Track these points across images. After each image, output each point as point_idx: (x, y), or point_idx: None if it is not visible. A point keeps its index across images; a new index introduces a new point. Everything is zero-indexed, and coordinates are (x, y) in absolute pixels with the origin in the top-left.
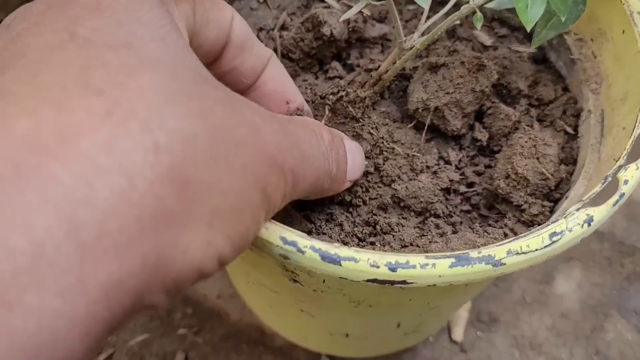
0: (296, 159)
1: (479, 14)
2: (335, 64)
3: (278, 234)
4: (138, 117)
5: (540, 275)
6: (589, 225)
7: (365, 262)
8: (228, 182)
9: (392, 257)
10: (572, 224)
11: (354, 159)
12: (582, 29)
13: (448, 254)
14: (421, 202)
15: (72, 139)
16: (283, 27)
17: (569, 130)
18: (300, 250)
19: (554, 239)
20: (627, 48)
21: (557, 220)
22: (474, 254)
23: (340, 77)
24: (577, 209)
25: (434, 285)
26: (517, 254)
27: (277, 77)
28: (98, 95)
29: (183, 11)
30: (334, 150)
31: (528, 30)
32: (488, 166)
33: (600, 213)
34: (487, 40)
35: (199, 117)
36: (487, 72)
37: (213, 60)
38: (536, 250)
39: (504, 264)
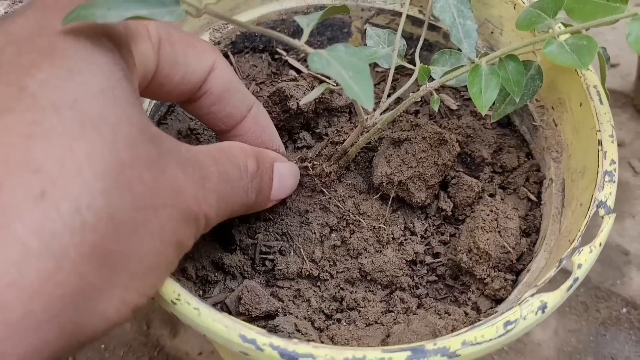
0: (211, 205)
1: (435, 96)
2: (304, 133)
3: (237, 332)
4: (70, 197)
5: None
6: (543, 312)
7: (323, 357)
8: (146, 247)
9: (349, 353)
10: (526, 311)
11: (282, 183)
12: (544, 96)
13: (405, 346)
14: (387, 275)
15: (7, 223)
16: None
17: (532, 197)
18: (259, 348)
19: (508, 327)
20: (584, 121)
21: (512, 307)
22: (429, 345)
23: (309, 147)
24: (532, 295)
25: None
26: (472, 344)
27: (257, 125)
28: (36, 173)
29: (141, 52)
30: (257, 179)
31: (483, 114)
32: (453, 235)
33: (554, 299)
34: (453, 104)
35: (127, 189)
36: (449, 146)
37: (184, 100)
38: (490, 340)
39: (459, 355)
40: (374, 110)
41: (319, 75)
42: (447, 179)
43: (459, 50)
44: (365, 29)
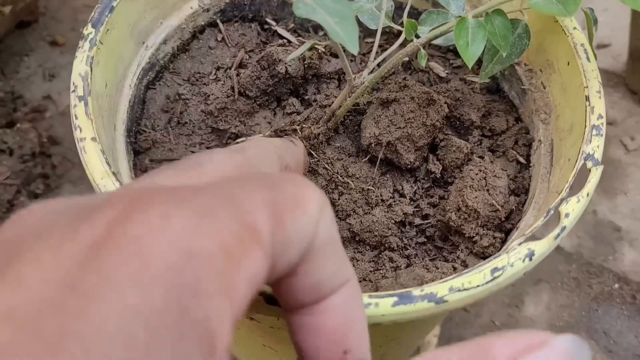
0: None
1: (422, 51)
2: (293, 99)
3: None
4: None
5: (509, 299)
6: (530, 259)
7: None
8: None
9: None
10: (513, 258)
11: None
12: (532, 60)
13: (391, 292)
14: (375, 235)
15: None
16: (241, 65)
17: (521, 160)
18: None
19: (496, 274)
20: (572, 80)
21: (499, 255)
22: (416, 291)
23: (298, 113)
24: (519, 244)
25: (379, 324)
26: (459, 290)
27: (343, 313)
28: None
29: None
30: None
31: (469, 67)
32: (442, 197)
33: (542, 247)
34: (442, 71)
35: None
36: (437, 106)
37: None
38: (478, 286)
39: (446, 301)
40: (362, 70)
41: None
42: (436, 142)
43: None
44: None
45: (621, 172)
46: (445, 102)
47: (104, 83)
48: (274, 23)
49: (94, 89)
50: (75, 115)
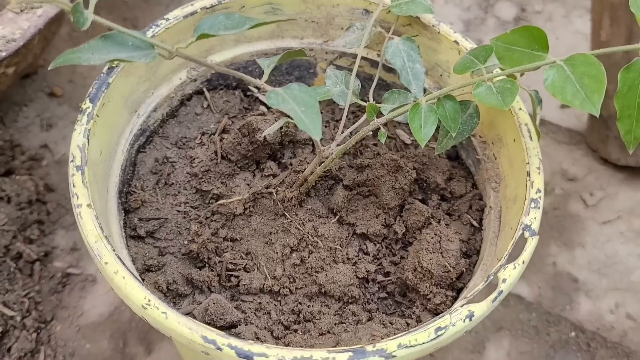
0: None
1: (382, 130)
2: (270, 163)
3: (200, 333)
4: None
5: (472, 345)
6: (471, 319)
7: (275, 357)
8: None
9: (298, 353)
10: (455, 319)
11: None
12: (485, 133)
13: (347, 348)
14: (340, 286)
15: None
16: (224, 131)
17: (475, 223)
18: (218, 348)
19: (439, 333)
20: (517, 155)
21: (443, 315)
22: (369, 347)
23: (275, 175)
24: (461, 305)
25: None
26: (407, 347)
27: None
28: None
29: None
30: None
31: (422, 146)
32: (403, 257)
33: (481, 309)
34: (407, 138)
35: None
36: (405, 172)
37: None
38: (423, 343)
39: (395, 356)
40: (331, 142)
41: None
42: (403, 204)
43: (408, 90)
44: (327, 71)
45: (580, 226)
46: (414, 167)
47: (99, 151)
48: (255, 90)
49: (91, 158)
50: (73, 183)
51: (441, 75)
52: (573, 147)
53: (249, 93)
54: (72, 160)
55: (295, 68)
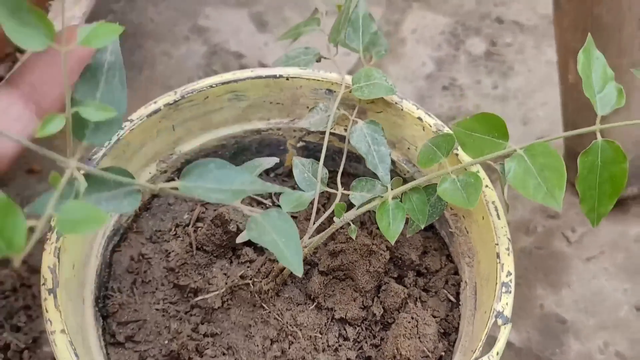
0: None
1: (352, 226)
2: (247, 249)
3: None
4: None
5: None
6: None
7: None
8: None
9: None
10: None
11: None
12: (456, 206)
13: None
14: None
15: None
16: (198, 219)
17: (452, 298)
18: None
19: None
20: (486, 233)
21: None
22: None
23: (252, 261)
24: None
25: None
26: None
27: None
28: None
29: None
30: None
31: (392, 243)
32: (383, 338)
33: None
34: None
35: None
36: (378, 255)
37: None
38: None
39: None
40: (303, 235)
41: (257, 197)
42: (380, 284)
43: (375, 176)
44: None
45: (564, 264)
46: (387, 247)
47: (71, 265)
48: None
49: (63, 276)
50: (46, 308)
51: (408, 148)
52: None
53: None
54: (43, 284)
55: (265, 146)
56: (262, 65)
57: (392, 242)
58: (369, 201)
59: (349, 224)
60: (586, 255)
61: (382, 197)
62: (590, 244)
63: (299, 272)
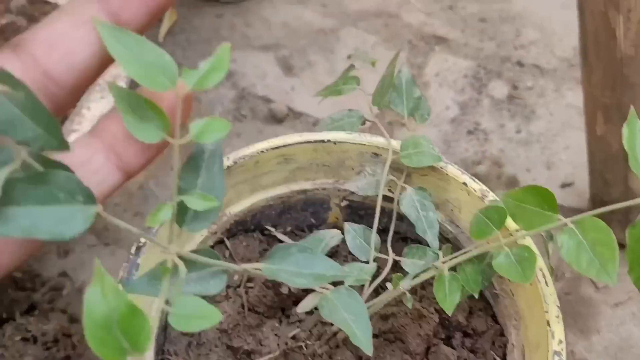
0: None
1: (408, 295)
2: (296, 309)
3: None
4: None
5: None
6: None
7: None
8: None
9: None
10: None
11: None
12: None
13: None
14: None
15: None
16: (248, 279)
17: None
18: None
19: None
20: (535, 299)
21: None
22: None
23: (301, 321)
24: None
25: None
26: None
27: None
28: None
29: None
30: None
31: (449, 314)
32: None
33: None
34: None
35: None
36: (428, 319)
37: None
38: None
39: None
40: None
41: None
42: (429, 346)
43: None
44: (344, 225)
45: (593, 310)
46: (435, 309)
47: None
48: (273, 229)
49: None
50: None
51: (452, 210)
52: None
53: (266, 232)
54: None
55: (310, 205)
56: (291, 110)
57: (450, 313)
58: (424, 271)
59: (404, 293)
60: (614, 301)
61: (437, 267)
62: (618, 289)
63: (369, 351)
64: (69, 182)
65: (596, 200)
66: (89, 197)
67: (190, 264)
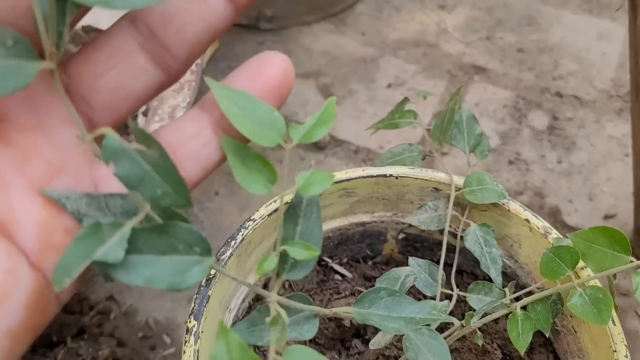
0: None
1: (479, 333)
2: (356, 341)
3: None
4: None
5: None
6: None
7: None
8: None
9: None
10: None
11: None
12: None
13: None
14: None
15: None
16: None
17: None
18: None
19: None
20: (601, 337)
21: None
22: None
23: (360, 353)
24: None
25: None
26: None
27: None
28: None
29: None
30: None
31: (522, 353)
32: None
33: None
34: None
35: None
36: (492, 355)
37: None
38: None
39: None
40: None
41: (359, 288)
42: None
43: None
44: (408, 260)
45: (639, 343)
46: (498, 346)
47: None
48: (329, 260)
49: None
50: None
51: (511, 245)
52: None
53: (322, 263)
54: None
55: (367, 237)
56: (334, 138)
57: (522, 353)
58: (494, 308)
59: (474, 330)
60: None
61: (508, 305)
62: None
63: None
64: (189, 234)
65: (639, 230)
66: (206, 249)
67: (285, 309)
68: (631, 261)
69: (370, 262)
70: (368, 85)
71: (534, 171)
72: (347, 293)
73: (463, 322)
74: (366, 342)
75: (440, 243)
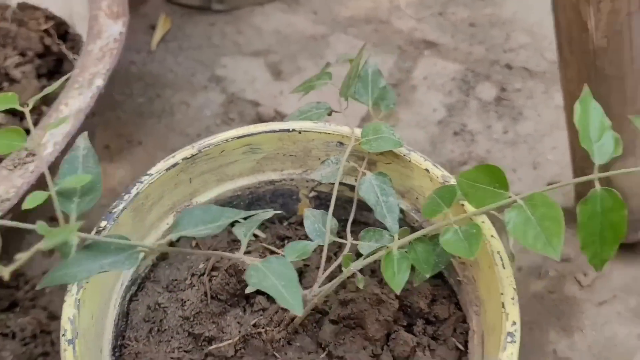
0: None
1: (359, 276)
2: (260, 297)
3: None
4: None
5: None
6: None
7: None
8: None
9: None
10: None
11: None
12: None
13: None
14: None
15: None
16: (213, 268)
17: (460, 347)
18: None
19: None
20: (492, 282)
21: None
22: None
23: (264, 309)
24: None
25: None
26: None
27: None
28: None
29: None
30: None
31: (397, 293)
32: None
33: None
34: None
35: None
36: (387, 304)
37: None
38: None
39: None
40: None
41: (269, 247)
42: (390, 332)
43: (383, 227)
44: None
45: (577, 309)
46: (396, 296)
47: (90, 316)
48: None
49: (81, 327)
50: (65, 359)
51: (417, 197)
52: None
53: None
54: (63, 334)
55: (279, 196)
56: (278, 113)
57: (397, 292)
58: (375, 251)
59: (358, 273)
60: (598, 300)
61: (387, 247)
62: (603, 288)
63: (298, 311)
64: None
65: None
66: None
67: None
68: (508, 197)
69: (285, 223)
70: (317, 62)
71: (478, 142)
72: (258, 254)
73: (342, 263)
74: (271, 298)
75: (351, 200)
